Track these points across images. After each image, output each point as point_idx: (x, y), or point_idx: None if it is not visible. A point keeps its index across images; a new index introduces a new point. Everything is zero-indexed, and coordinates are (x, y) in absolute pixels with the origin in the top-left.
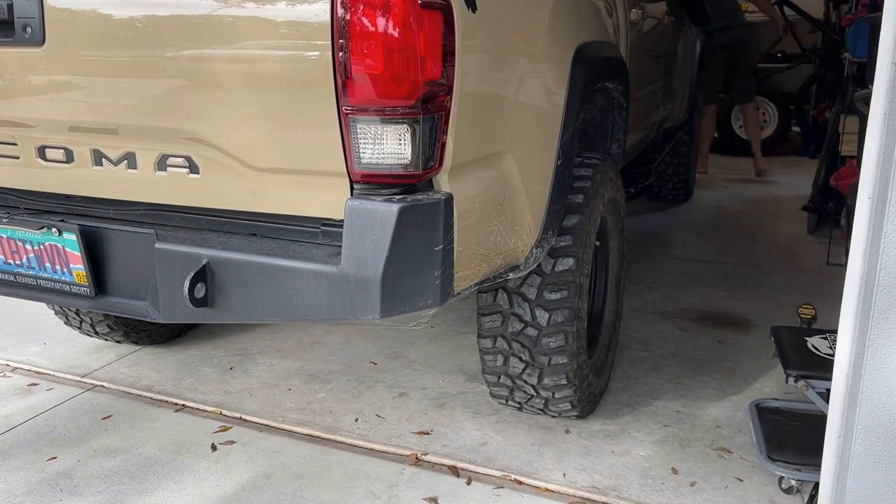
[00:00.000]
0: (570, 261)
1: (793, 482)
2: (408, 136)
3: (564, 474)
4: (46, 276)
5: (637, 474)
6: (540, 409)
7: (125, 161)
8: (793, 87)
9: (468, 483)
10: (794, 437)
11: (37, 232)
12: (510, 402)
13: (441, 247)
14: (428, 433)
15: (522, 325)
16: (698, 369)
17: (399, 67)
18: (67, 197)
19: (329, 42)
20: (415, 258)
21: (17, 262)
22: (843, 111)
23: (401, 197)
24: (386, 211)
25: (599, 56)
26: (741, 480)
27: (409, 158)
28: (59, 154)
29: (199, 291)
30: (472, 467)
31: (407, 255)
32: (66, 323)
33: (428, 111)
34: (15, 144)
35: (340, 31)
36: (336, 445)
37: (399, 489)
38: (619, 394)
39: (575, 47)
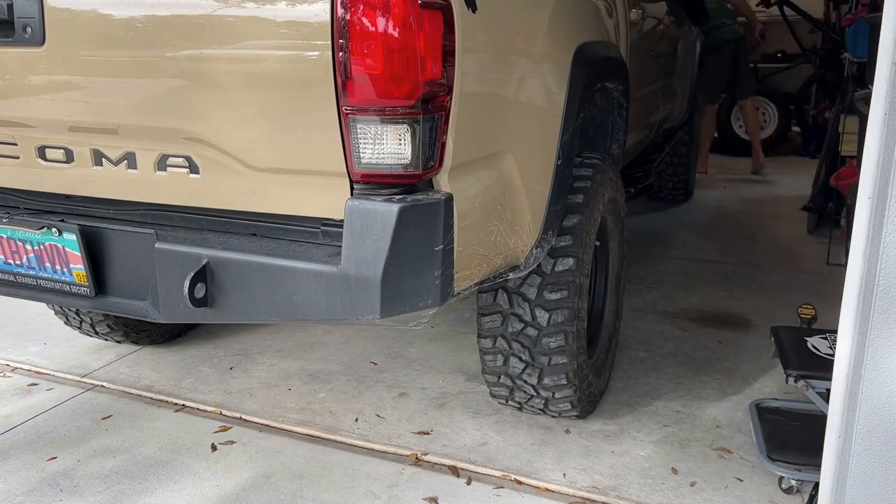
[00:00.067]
0: (570, 261)
1: (793, 482)
2: (408, 136)
3: (564, 474)
4: (46, 276)
5: (637, 474)
6: (540, 409)
7: (125, 161)
8: (793, 87)
9: (468, 483)
10: (794, 437)
11: (37, 232)
12: (510, 402)
13: (441, 247)
14: (428, 433)
15: (522, 325)
16: (698, 369)
17: (399, 67)
18: (67, 197)
19: (329, 42)
20: (415, 258)
21: (17, 262)
22: (843, 111)
23: (401, 197)
24: (386, 211)
25: (599, 56)
26: (741, 480)
27: (409, 158)
28: (59, 154)
29: (199, 291)
30: (472, 467)
31: (407, 255)
32: (66, 323)
33: (428, 111)
34: (15, 144)
35: (340, 31)
36: (336, 445)
37: (399, 489)
38: (619, 394)
39: (575, 47)
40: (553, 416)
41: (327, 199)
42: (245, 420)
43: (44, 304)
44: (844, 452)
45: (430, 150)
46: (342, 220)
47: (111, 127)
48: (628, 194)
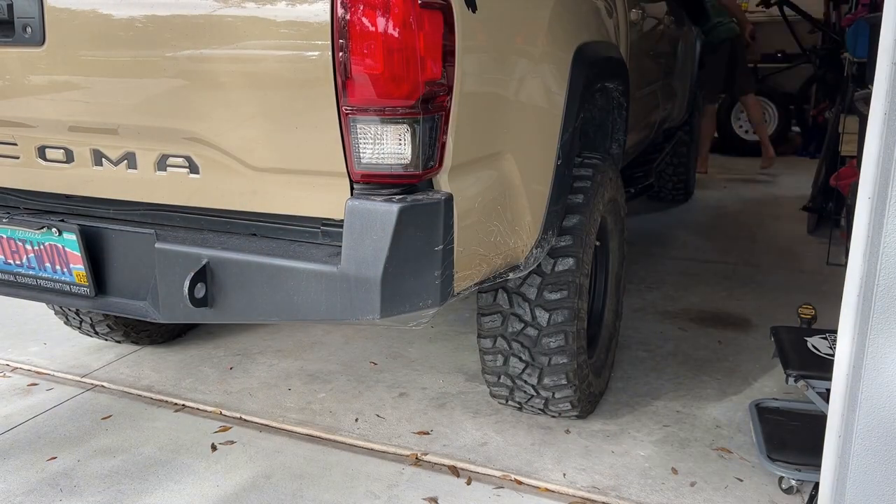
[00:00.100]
0: (570, 261)
1: (793, 482)
2: (408, 136)
3: (564, 474)
4: (46, 276)
5: (637, 474)
6: (540, 409)
7: (125, 161)
8: (793, 87)
9: (468, 483)
10: (794, 437)
11: (37, 232)
12: (510, 402)
13: (441, 247)
14: (428, 433)
15: (522, 325)
16: (698, 369)
17: (399, 67)
18: (67, 197)
19: (329, 42)
20: (415, 258)
21: (17, 262)
22: (843, 111)
23: (401, 197)
24: (386, 211)
25: (599, 56)
26: (741, 480)
27: (409, 158)
28: (59, 154)
29: (199, 291)
30: (472, 467)
31: (407, 255)
32: (66, 323)
33: (428, 111)
34: (15, 144)
35: (340, 31)
36: (336, 445)
37: (399, 489)
38: (619, 394)
39: (575, 47)
40: (553, 416)
41: (327, 199)
42: (245, 420)
43: (44, 304)
44: (844, 452)
45: (430, 150)
46: (342, 220)
47: (111, 127)
48: (628, 194)
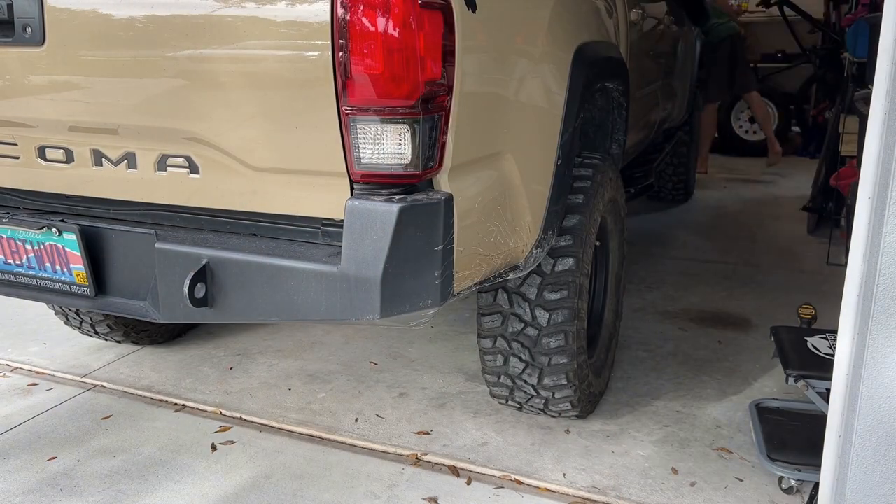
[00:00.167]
0: (570, 261)
1: (793, 482)
2: (408, 136)
3: (564, 474)
4: (46, 276)
5: (637, 474)
6: (540, 409)
7: (125, 161)
8: (793, 87)
9: (468, 483)
10: (794, 437)
11: (37, 232)
12: (510, 402)
13: (441, 247)
14: (428, 433)
15: (522, 325)
16: (698, 369)
17: (399, 67)
18: (67, 197)
19: (329, 42)
20: (415, 258)
21: (17, 262)
22: (843, 111)
23: (401, 197)
24: (386, 211)
25: (599, 56)
26: (741, 480)
27: (409, 158)
28: (59, 154)
29: (199, 291)
30: (472, 467)
31: (407, 255)
32: (66, 323)
33: (428, 111)
34: (15, 144)
35: (340, 31)
36: (336, 445)
37: (399, 489)
38: (619, 394)
39: (575, 47)
40: (553, 416)
41: (327, 199)
42: (245, 420)
43: (44, 304)
44: (844, 452)
45: (430, 150)
46: (342, 220)
47: (111, 127)
48: (628, 194)
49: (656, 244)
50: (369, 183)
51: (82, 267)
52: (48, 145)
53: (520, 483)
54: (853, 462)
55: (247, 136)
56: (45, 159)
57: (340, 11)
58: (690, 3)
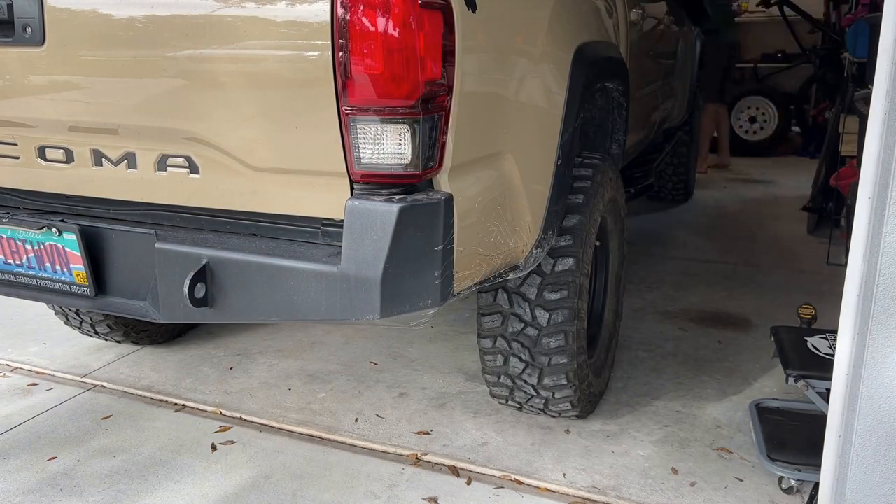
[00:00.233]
0: (570, 261)
1: (793, 482)
2: (408, 136)
3: (564, 474)
4: (46, 276)
5: (637, 474)
6: (540, 409)
7: (125, 161)
8: (793, 87)
9: (468, 483)
10: (794, 437)
11: (37, 232)
12: (510, 402)
13: (441, 247)
14: (428, 433)
15: (522, 325)
16: (698, 369)
17: (399, 67)
18: (67, 197)
19: (329, 42)
20: (415, 258)
21: (17, 262)
22: (843, 111)
23: (401, 197)
24: (386, 211)
25: (599, 56)
26: (741, 480)
27: (409, 158)
28: (59, 154)
29: (199, 291)
30: (472, 467)
31: (407, 255)
32: (66, 323)
33: (428, 111)
34: (15, 144)
35: (340, 31)
36: (336, 445)
37: (399, 489)
38: (619, 394)
39: (575, 47)
40: (553, 416)
41: (327, 199)
42: (245, 420)
43: (44, 304)
44: (844, 452)
45: (430, 150)
46: (342, 220)
47: (111, 127)
48: (628, 194)
49: (656, 244)
50: (369, 183)
51: (82, 267)
52: (48, 145)
53: (520, 483)
54: (853, 462)
55: (247, 136)
56: (45, 159)
57: (340, 11)
58: (690, 3)
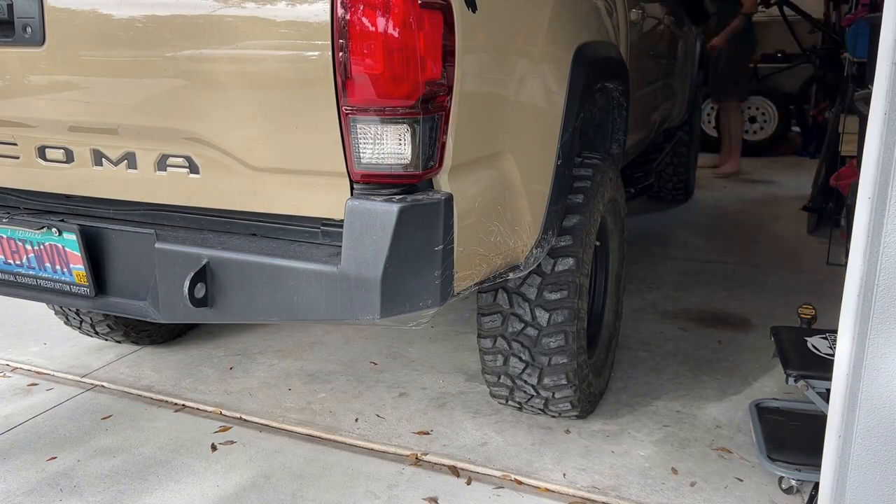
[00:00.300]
0: (570, 261)
1: (793, 482)
2: (408, 136)
3: (564, 474)
4: (46, 276)
5: (637, 474)
6: (540, 409)
7: (125, 161)
8: (793, 87)
9: (468, 483)
10: (794, 437)
11: (37, 232)
12: (510, 402)
13: (441, 247)
14: (428, 433)
15: (522, 325)
16: (698, 369)
17: (399, 67)
18: (67, 197)
19: (329, 42)
20: (415, 258)
21: (17, 262)
22: (843, 111)
23: (401, 197)
24: (386, 211)
25: (599, 56)
26: (741, 480)
27: (409, 158)
28: (59, 154)
29: (199, 291)
30: (472, 467)
31: (407, 255)
32: (66, 323)
33: (428, 111)
34: (15, 144)
35: (340, 31)
36: (336, 445)
37: (399, 489)
38: (619, 394)
39: (575, 47)
40: (553, 416)
41: (327, 199)
42: (245, 420)
43: (44, 304)
44: (844, 452)
45: (430, 150)
46: (342, 220)
47: (111, 127)
48: (628, 194)
49: (656, 244)
50: (369, 183)
51: (82, 267)
52: (48, 145)
53: (520, 483)
54: (853, 462)
55: (247, 136)
56: (45, 159)
57: (340, 11)
58: (690, 3)
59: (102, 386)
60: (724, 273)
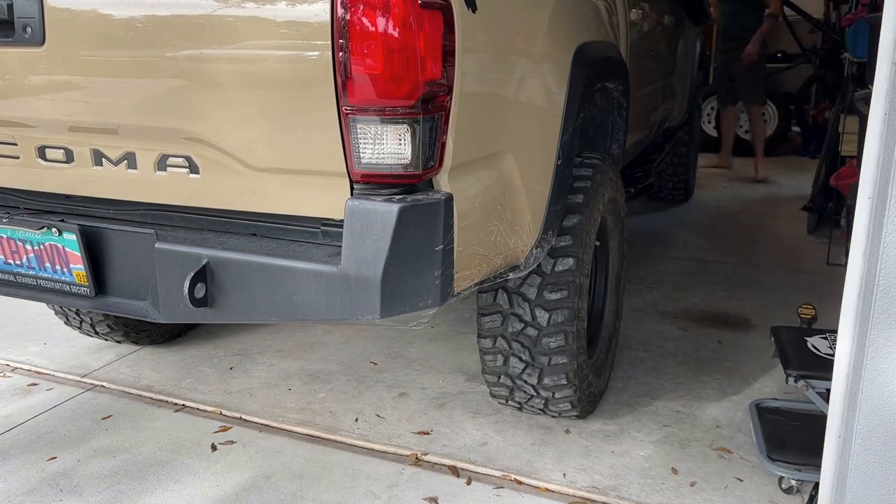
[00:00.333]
0: (570, 261)
1: (793, 482)
2: (408, 136)
3: (564, 474)
4: (46, 276)
5: (637, 474)
6: (540, 409)
7: (125, 161)
8: (793, 87)
9: (468, 483)
10: (794, 437)
11: (37, 232)
12: (510, 402)
13: (441, 247)
14: (428, 433)
15: (522, 325)
16: (698, 369)
17: (399, 67)
18: (67, 197)
19: (329, 42)
20: (415, 258)
21: (17, 262)
22: (843, 111)
23: (401, 197)
24: (386, 211)
25: (599, 56)
26: (741, 480)
27: (409, 158)
28: (59, 154)
29: (199, 291)
30: (472, 467)
31: (407, 255)
32: (66, 323)
33: (428, 111)
34: (15, 144)
35: (340, 31)
36: (336, 445)
37: (399, 489)
38: (619, 394)
39: (575, 47)
40: (553, 416)
41: (327, 199)
42: (245, 420)
43: (44, 304)
44: (844, 452)
45: (430, 150)
46: (342, 220)
47: (111, 127)
48: (628, 194)
49: (656, 244)
50: (369, 183)
51: (82, 267)
52: (48, 145)
53: (520, 483)
54: (853, 462)
55: (247, 136)
56: (45, 159)
57: (340, 11)
58: (690, 3)
59: (102, 386)
60: (724, 273)
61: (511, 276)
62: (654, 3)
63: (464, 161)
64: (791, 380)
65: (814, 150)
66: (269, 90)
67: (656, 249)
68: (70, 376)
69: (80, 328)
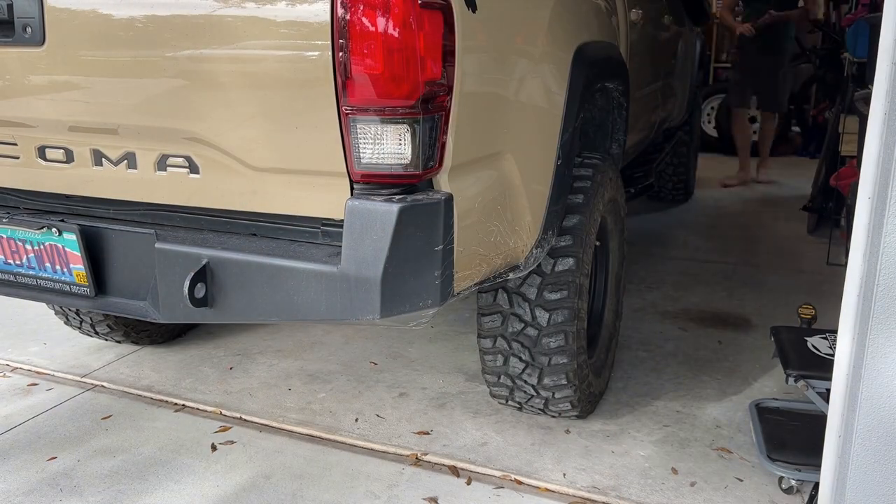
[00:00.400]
0: (570, 261)
1: (793, 482)
2: (408, 136)
3: (564, 474)
4: (46, 276)
5: (637, 474)
6: (540, 409)
7: (125, 161)
8: (793, 87)
9: (468, 483)
10: (794, 437)
11: (37, 232)
12: (510, 402)
13: (441, 247)
14: (428, 433)
15: (522, 325)
16: (698, 369)
17: (399, 67)
18: (67, 197)
19: (329, 42)
20: (415, 258)
21: (17, 262)
22: (843, 111)
23: (401, 197)
24: (386, 211)
25: (599, 56)
26: (741, 480)
27: (409, 158)
28: (59, 154)
29: (199, 291)
30: (472, 467)
31: (407, 255)
32: (66, 323)
33: (428, 111)
34: (15, 144)
35: (340, 31)
36: (336, 445)
37: (399, 489)
38: (619, 394)
39: (575, 47)
40: (553, 416)
41: (327, 199)
42: (245, 420)
43: (44, 304)
44: (844, 452)
45: (430, 150)
46: (342, 220)
47: (111, 127)
48: (628, 194)
49: (656, 244)
50: (369, 183)
51: (82, 267)
52: (48, 145)
53: (520, 483)
54: (853, 462)
55: (247, 136)
56: (45, 159)
57: (340, 11)
58: (690, 3)
59: (102, 386)
60: (724, 273)
61: (511, 276)
62: (654, 3)
63: (464, 161)
64: (791, 380)
65: (814, 150)
66: (269, 90)
67: (656, 249)
68: (70, 376)
69: (80, 328)
